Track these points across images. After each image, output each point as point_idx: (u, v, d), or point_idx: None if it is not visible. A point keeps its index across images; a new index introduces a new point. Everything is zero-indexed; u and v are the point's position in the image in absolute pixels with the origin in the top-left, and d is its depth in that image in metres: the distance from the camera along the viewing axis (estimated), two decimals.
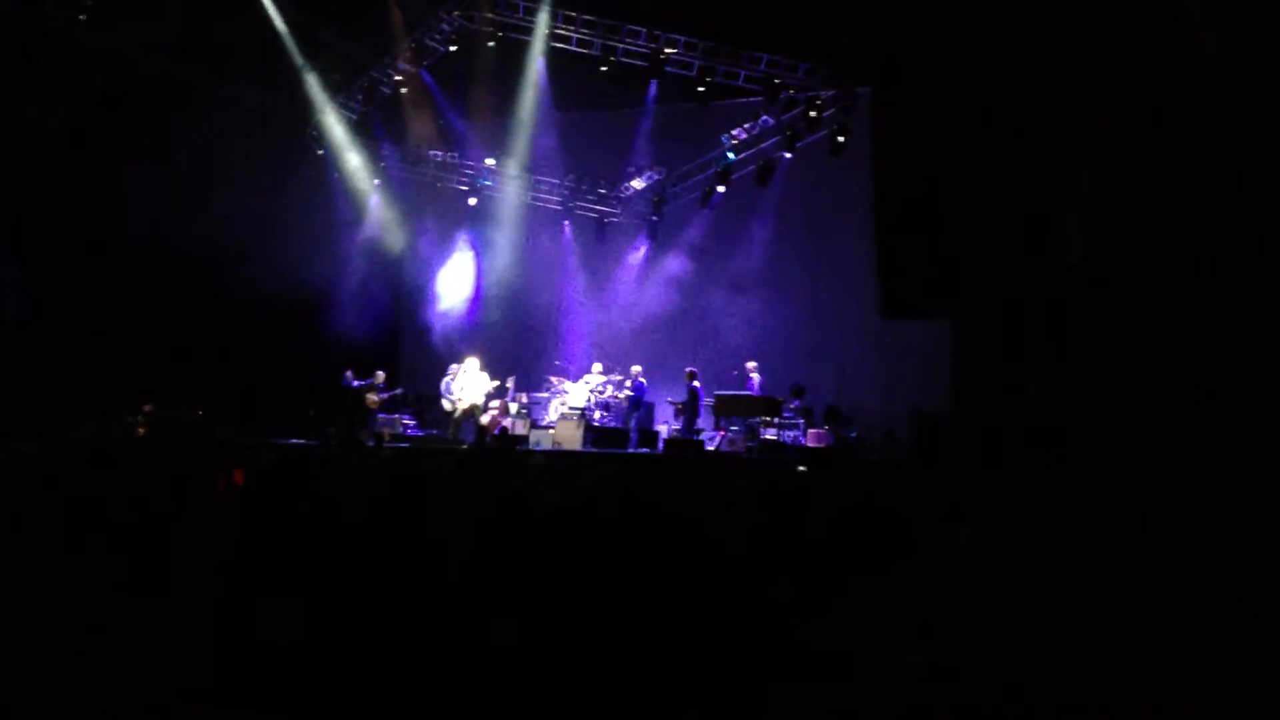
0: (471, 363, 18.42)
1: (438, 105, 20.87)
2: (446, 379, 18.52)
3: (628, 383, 18.58)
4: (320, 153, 20.21)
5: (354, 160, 20.60)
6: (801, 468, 10.69)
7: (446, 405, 18.36)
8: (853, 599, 2.08)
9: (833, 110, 18.39)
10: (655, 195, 21.44)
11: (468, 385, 18.21)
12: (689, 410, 17.67)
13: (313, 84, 19.54)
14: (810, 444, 16.60)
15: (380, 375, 19.10)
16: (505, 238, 22.01)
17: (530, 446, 16.95)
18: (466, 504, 3.05)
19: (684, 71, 18.45)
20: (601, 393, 18.85)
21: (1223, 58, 11.34)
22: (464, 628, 2.05)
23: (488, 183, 21.66)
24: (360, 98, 20.18)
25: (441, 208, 22.05)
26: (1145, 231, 12.49)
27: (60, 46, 16.27)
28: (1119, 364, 12.79)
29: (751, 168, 19.67)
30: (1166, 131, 12.23)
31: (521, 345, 21.44)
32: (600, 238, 21.99)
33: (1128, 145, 12.79)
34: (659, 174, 21.21)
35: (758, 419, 17.09)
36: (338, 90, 20.01)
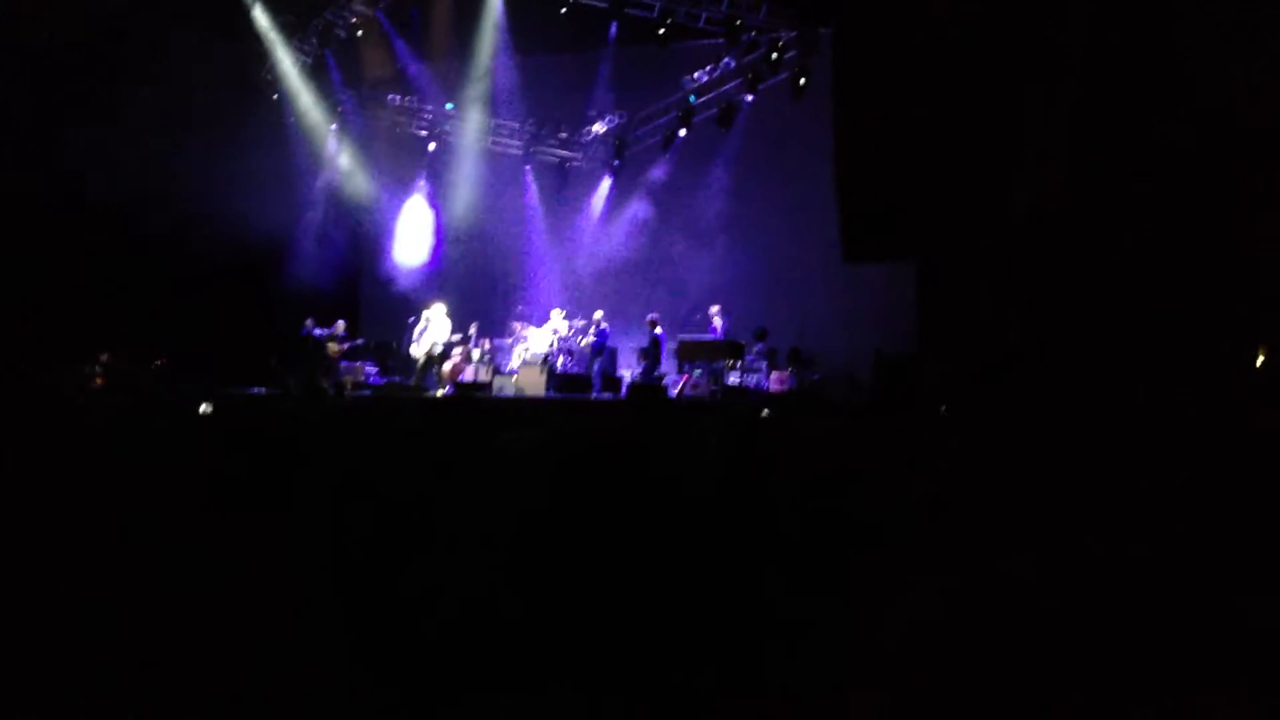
0: (437, 309, 18.27)
1: (395, 48, 20.53)
2: (417, 326, 18.35)
3: (591, 329, 18.55)
4: (275, 97, 19.87)
5: (310, 104, 20.27)
6: (765, 411, 10.72)
7: (415, 351, 18.20)
8: (823, 566, 2.09)
9: (794, 52, 18.28)
10: (617, 139, 21.30)
11: (430, 332, 18.09)
12: (651, 356, 17.69)
13: (266, 26, 19.14)
14: (773, 387, 16.67)
15: (341, 324, 18.91)
16: (465, 183, 21.79)
17: (494, 392, 16.94)
18: (434, 453, 3.04)
19: (644, 13, 18.23)
20: (565, 339, 18.81)
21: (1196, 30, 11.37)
22: (437, 578, 2.04)
23: (447, 128, 21.42)
24: (315, 40, 19.80)
25: (400, 152, 21.78)
26: (1115, 172, 12.56)
27: None
28: (1077, 303, 12.91)
29: (714, 111, 19.56)
30: (1137, 88, 12.27)
31: (483, 291, 21.32)
32: (562, 182, 21.86)
33: (1100, 88, 12.81)
34: (620, 117, 21.06)
35: (721, 363, 17.12)
36: (292, 32, 19.61)
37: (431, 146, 21.35)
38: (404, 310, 19.58)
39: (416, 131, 21.39)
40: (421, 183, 21.97)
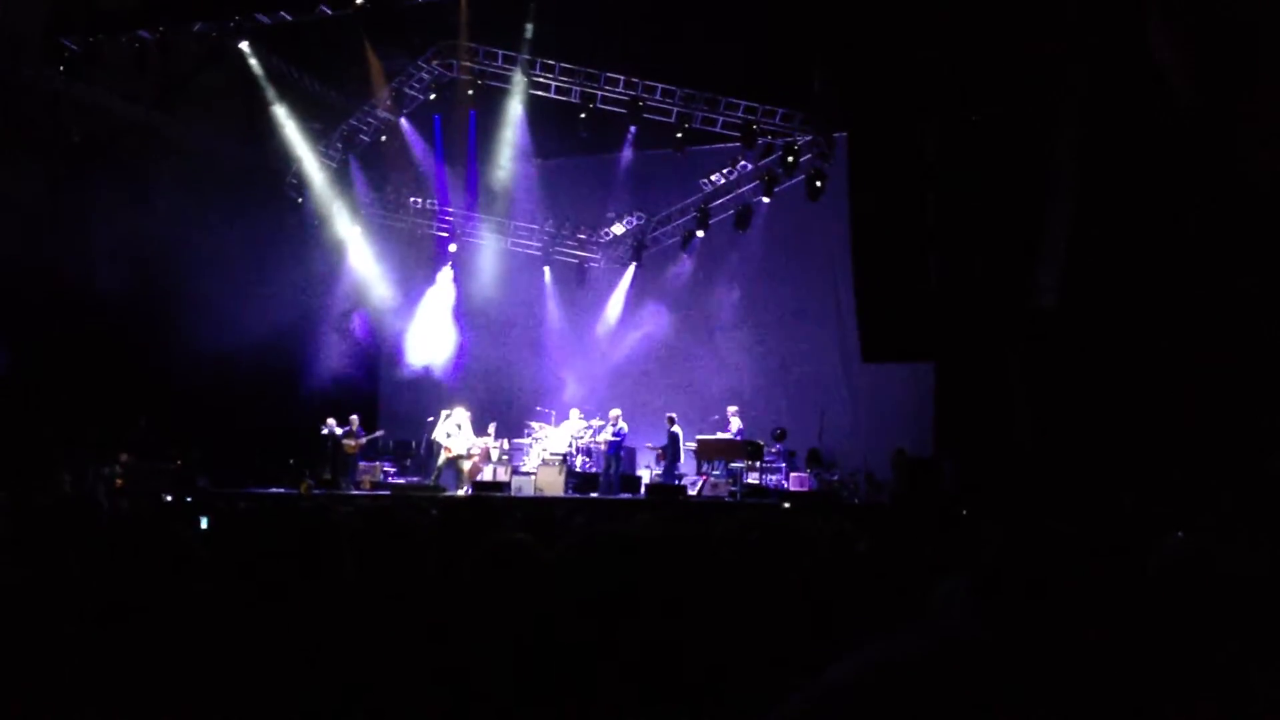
0: (460, 413, 18.31)
1: (417, 152, 20.95)
2: (437, 425, 18.35)
3: (608, 428, 18.54)
4: (300, 200, 20.21)
5: (333, 208, 20.58)
6: (786, 504, 10.68)
7: (450, 446, 18.12)
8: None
9: (810, 155, 18.53)
10: (635, 240, 21.50)
11: (455, 435, 18.09)
12: (669, 455, 17.66)
13: (292, 132, 19.55)
14: (793, 487, 16.61)
15: (354, 420, 18.96)
16: (484, 283, 21.98)
17: (512, 492, 16.89)
18: (453, 555, 3.04)
19: (662, 118, 18.60)
20: (582, 438, 18.81)
21: (1196, 106, 11.53)
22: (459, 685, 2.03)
23: (467, 229, 21.72)
24: (340, 145, 20.25)
25: (421, 254, 22.04)
26: (1120, 278, 12.62)
27: (40, 97, 16.28)
28: (1097, 407, 12.87)
29: (731, 212, 19.77)
30: (1141, 179, 12.40)
31: (502, 391, 21.35)
32: (580, 282, 22.00)
33: (1102, 193, 12.94)
34: (639, 219, 21.30)
35: (740, 463, 17.08)
36: (317, 138, 20.06)
37: (452, 248, 21.62)
38: (422, 410, 19.64)
39: (437, 233, 21.69)
40: (441, 283, 22.14)
